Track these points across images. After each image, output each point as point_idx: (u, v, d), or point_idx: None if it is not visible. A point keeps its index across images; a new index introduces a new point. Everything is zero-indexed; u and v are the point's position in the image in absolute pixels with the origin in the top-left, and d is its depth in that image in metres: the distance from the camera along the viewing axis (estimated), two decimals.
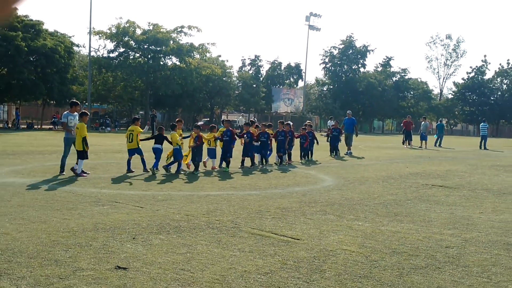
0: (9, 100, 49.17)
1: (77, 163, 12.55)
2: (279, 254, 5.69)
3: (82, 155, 12.58)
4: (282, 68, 76.42)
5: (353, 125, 24.20)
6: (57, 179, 11.48)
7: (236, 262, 5.34)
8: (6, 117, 52.66)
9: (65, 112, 13.52)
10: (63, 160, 12.69)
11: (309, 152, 19.10)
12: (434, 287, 4.76)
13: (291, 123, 19.16)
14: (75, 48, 56.12)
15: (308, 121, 22.49)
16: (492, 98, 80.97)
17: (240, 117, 47.97)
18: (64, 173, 12.38)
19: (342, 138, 23.29)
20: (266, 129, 16.60)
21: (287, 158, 17.47)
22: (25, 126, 47.13)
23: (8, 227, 6.53)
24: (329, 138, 23.76)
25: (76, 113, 13.28)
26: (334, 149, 21.72)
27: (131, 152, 13.75)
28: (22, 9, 46.23)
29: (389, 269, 5.27)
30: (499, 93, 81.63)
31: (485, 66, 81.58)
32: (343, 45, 77.69)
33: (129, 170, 13.25)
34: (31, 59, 45.39)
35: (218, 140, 14.83)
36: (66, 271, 4.85)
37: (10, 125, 46.88)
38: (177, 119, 16.15)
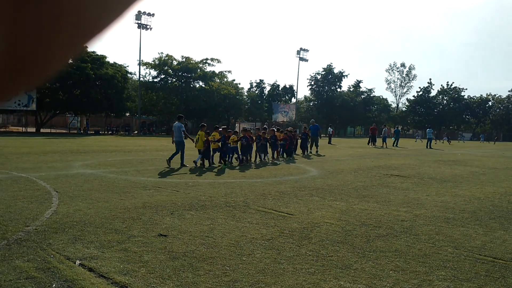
0: (81, 113, 49.35)
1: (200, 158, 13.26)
2: (278, 226, 5.68)
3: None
4: (280, 89, 75.87)
5: (317, 130, 22.57)
6: (118, 170, 11.49)
7: (246, 231, 5.33)
8: (79, 125, 52.81)
9: (180, 123, 13.52)
10: (183, 156, 13.12)
11: (290, 151, 17.93)
12: (392, 250, 4.73)
13: (275, 129, 17.72)
14: (129, 75, 56.14)
15: (290, 127, 20.76)
16: (435, 110, 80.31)
17: (265, 125, 47.20)
18: (187, 165, 12.87)
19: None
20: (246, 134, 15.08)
21: (270, 156, 16.44)
22: (93, 132, 47.31)
23: (81, 205, 6.57)
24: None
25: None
26: (303, 149, 19.99)
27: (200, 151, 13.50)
28: (91, 48, 46.35)
29: (359, 237, 5.24)
30: (441, 106, 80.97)
31: (430, 86, 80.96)
32: (324, 72, 77.28)
33: (210, 164, 13.51)
34: (97, 83, 45.52)
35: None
36: (122, 237, 4.86)
37: (82, 131, 47.05)
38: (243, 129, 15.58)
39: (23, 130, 43.92)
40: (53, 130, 46.37)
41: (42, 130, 45.25)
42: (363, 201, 7.82)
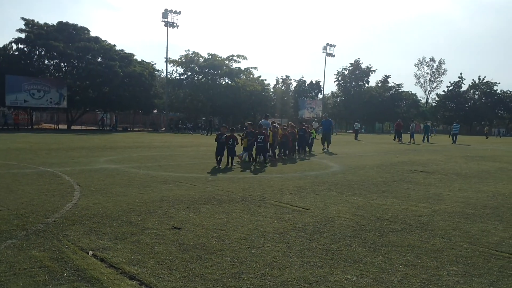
0: (110, 110, 50.60)
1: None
2: (291, 220, 5.66)
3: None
4: (306, 85, 75.43)
5: (330, 126, 20.26)
6: (141, 165, 11.69)
7: (259, 225, 5.35)
8: (109, 122, 54.06)
9: (266, 121, 14.63)
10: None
11: (293, 148, 16.13)
12: (405, 245, 4.64)
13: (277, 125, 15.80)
14: (156, 72, 57.18)
15: (290, 122, 18.39)
16: (466, 105, 77.80)
17: (314, 122, 39.77)
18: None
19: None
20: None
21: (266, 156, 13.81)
22: (121, 128, 48.35)
23: (101, 198, 6.74)
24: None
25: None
26: (302, 147, 17.05)
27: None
28: (119, 46, 47.36)
29: (373, 232, 5.17)
30: (472, 101, 78.37)
31: (461, 81, 78.46)
32: (352, 67, 76.31)
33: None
34: (125, 81, 46.48)
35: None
36: (136, 229, 4.97)
37: (111, 127, 48.18)
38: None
39: (55, 127, 45.36)
40: (83, 127, 47.68)
41: (73, 127, 46.63)
42: (381, 196, 7.70)
